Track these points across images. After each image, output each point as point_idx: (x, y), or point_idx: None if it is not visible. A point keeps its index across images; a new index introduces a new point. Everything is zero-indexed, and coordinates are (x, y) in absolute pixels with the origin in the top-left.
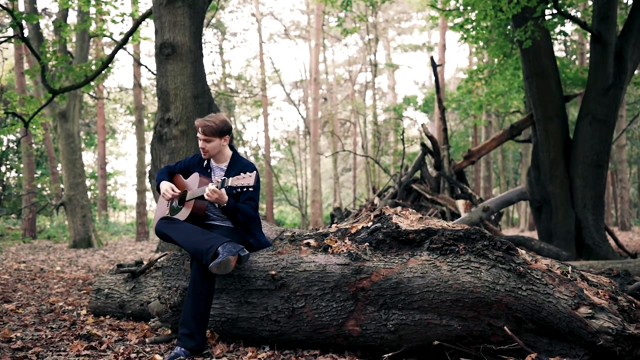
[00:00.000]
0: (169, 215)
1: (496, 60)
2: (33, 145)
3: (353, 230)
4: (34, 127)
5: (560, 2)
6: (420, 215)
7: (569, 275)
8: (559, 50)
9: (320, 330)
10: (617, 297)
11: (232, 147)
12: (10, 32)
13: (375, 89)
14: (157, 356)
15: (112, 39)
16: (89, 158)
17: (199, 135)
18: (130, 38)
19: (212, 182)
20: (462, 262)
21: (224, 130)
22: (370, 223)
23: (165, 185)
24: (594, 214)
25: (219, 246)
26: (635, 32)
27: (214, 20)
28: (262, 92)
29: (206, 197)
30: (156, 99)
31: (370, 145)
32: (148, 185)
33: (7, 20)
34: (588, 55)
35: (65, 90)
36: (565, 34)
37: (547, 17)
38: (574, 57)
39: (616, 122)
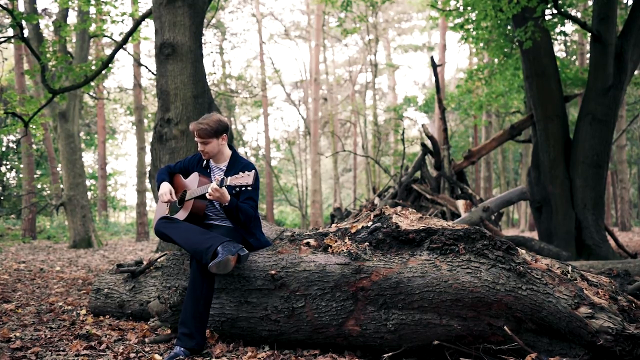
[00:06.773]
0: (169, 215)
1: (496, 60)
2: (33, 145)
3: (353, 230)
4: (34, 127)
5: (560, 2)
6: (420, 215)
7: (569, 275)
8: (559, 51)
9: (320, 330)
10: (617, 297)
11: (231, 147)
12: (10, 32)
13: (376, 90)
14: (157, 356)
15: (112, 39)
16: (89, 158)
17: (196, 138)
18: (130, 38)
19: (211, 181)
20: (462, 262)
21: (219, 130)
22: (370, 223)
23: (164, 188)
24: (594, 214)
25: (218, 246)
26: (635, 32)
27: (214, 21)
28: (262, 92)
29: (208, 196)
30: (156, 99)
31: (371, 146)
32: (148, 185)
33: (7, 20)
34: (588, 55)
35: (65, 90)
36: (565, 34)
37: (547, 17)
38: (574, 57)
39: (616, 122)
